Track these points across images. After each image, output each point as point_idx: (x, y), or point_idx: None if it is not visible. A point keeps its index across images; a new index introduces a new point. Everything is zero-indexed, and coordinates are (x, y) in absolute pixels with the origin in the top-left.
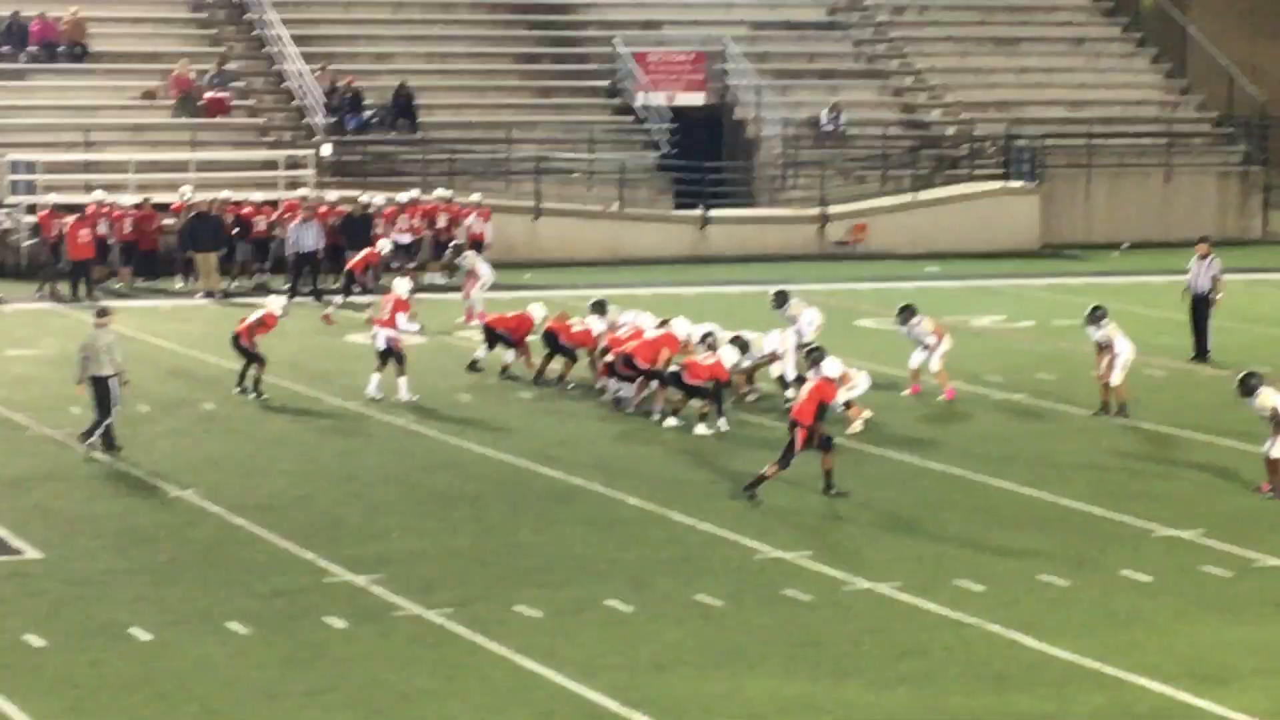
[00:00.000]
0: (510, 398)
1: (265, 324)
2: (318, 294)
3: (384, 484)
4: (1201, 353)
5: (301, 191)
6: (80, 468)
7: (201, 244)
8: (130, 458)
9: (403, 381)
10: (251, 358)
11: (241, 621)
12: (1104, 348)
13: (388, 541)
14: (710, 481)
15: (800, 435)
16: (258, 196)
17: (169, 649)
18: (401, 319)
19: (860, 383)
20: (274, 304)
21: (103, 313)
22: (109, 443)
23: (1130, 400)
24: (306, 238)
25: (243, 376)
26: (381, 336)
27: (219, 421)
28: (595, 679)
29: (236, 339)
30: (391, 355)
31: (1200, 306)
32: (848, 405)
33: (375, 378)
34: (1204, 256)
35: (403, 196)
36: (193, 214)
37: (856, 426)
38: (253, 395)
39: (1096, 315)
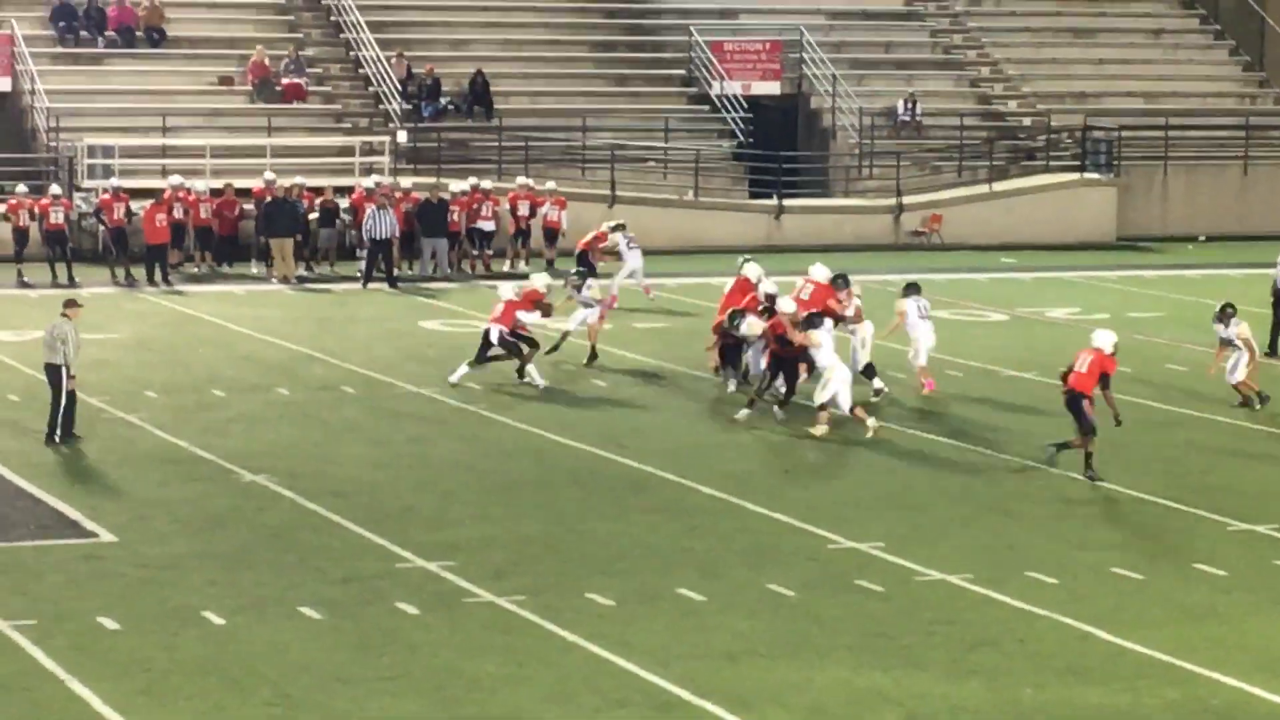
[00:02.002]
0: (583, 384)
1: (528, 301)
2: (392, 281)
3: (456, 470)
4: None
5: (375, 178)
6: (155, 451)
7: (278, 229)
8: (204, 442)
9: (531, 368)
10: (525, 341)
11: (314, 607)
12: (1227, 343)
13: (460, 528)
14: (783, 471)
15: (1088, 406)
16: (367, 182)
17: (241, 633)
18: (522, 315)
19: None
20: (538, 281)
21: (70, 303)
22: (49, 434)
23: (1202, 392)
24: (382, 225)
25: (521, 368)
26: (494, 332)
27: (293, 407)
28: (667, 668)
29: (501, 334)
30: (510, 347)
31: None
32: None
33: (463, 368)
34: None
35: (486, 183)
36: (269, 199)
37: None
38: (520, 380)
39: (1227, 313)
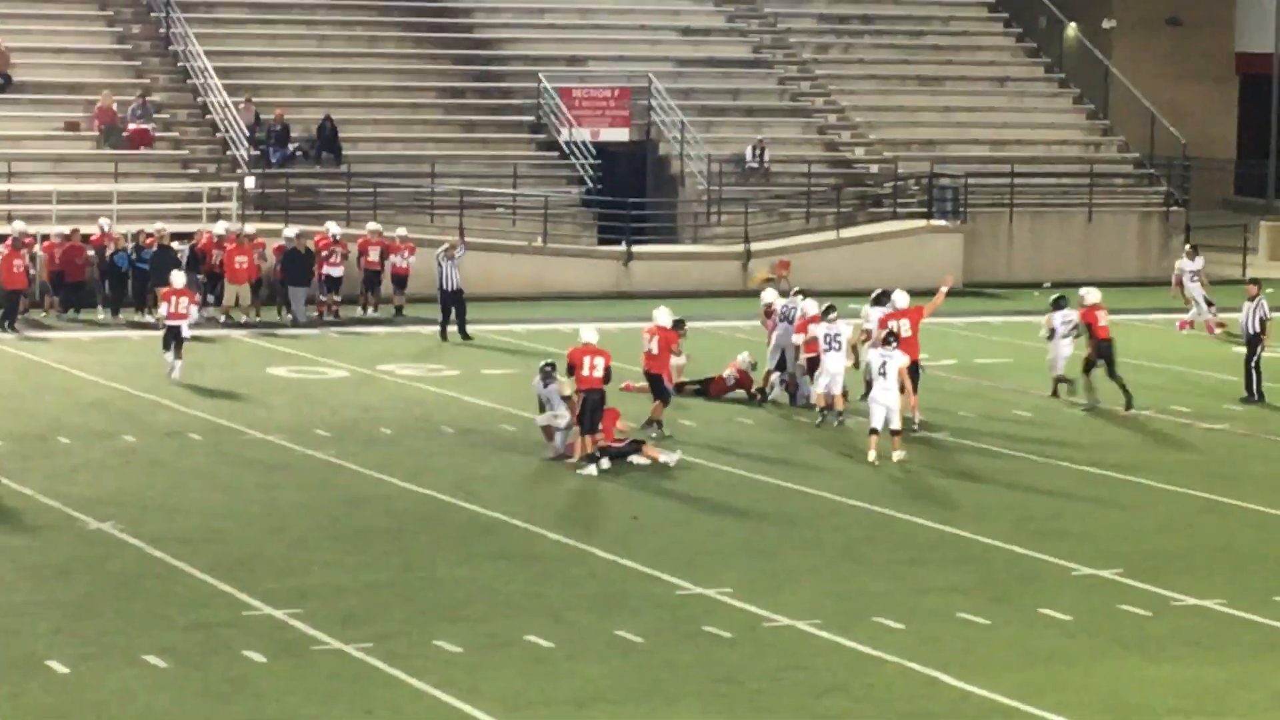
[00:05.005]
0: (432, 431)
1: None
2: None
3: (304, 517)
4: (1252, 394)
5: (223, 225)
6: None
7: (166, 278)
8: (49, 489)
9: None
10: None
11: (160, 655)
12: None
13: (308, 575)
14: (631, 517)
15: None
16: (219, 228)
17: (87, 682)
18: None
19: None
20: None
21: None
22: None
23: (1048, 438)
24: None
25: None
26: (185, 327)
27: (139, 454)
28: (515, 715)
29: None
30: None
31: (1250, 348)
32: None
33: (178, 363)
34: (1253, 298)
35: (333, 228)
36: (158, 247)
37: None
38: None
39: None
